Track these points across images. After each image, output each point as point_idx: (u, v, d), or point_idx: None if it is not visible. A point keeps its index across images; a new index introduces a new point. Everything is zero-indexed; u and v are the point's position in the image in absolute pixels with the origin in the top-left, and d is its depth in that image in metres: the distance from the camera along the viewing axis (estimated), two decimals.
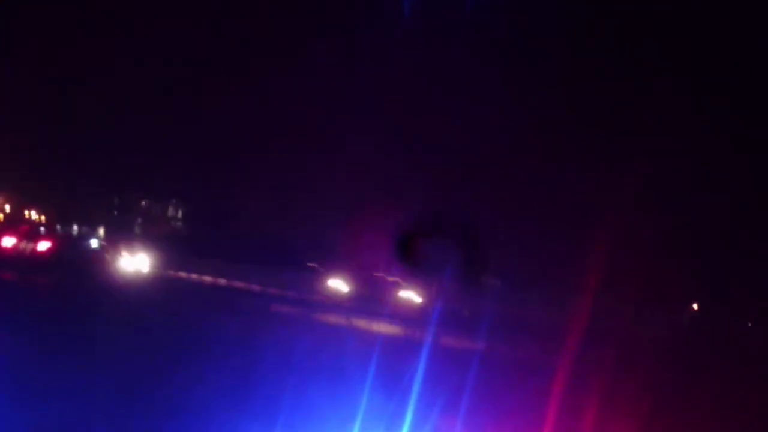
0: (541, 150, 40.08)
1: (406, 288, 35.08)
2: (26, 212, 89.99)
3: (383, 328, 22.59)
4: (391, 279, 34.98)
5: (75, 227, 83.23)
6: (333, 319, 25.40)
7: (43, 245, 39.96)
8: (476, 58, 37.59)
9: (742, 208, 37.99)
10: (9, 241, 39.96)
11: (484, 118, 39.80)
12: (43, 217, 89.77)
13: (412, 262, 31.54)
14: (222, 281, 36.94)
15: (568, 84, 39.31)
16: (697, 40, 36.45)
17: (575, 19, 36.97)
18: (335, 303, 31.66)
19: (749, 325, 37.93)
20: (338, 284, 34.87)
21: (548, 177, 39.96)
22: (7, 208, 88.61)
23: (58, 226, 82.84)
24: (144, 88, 53.35)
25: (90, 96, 56.65)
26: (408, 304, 34.07)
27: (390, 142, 43.32)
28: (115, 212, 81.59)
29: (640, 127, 37.44)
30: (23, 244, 39.52)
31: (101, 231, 78.55)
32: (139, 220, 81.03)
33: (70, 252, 41.57)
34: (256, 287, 34.95)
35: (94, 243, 66.57)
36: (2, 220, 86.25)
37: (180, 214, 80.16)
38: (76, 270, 33.31)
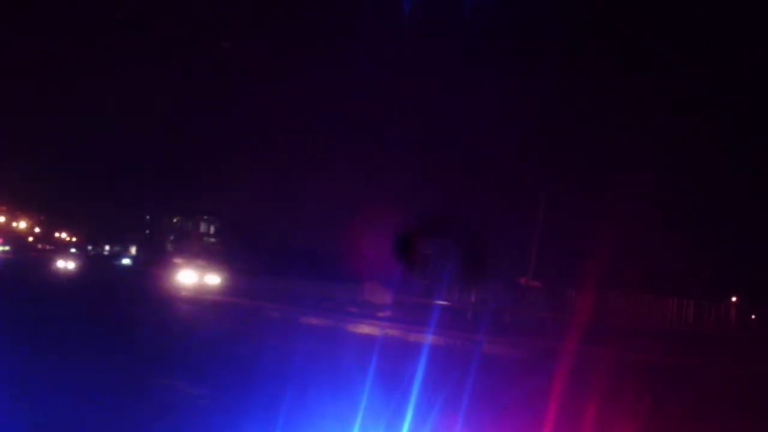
0: (541, 148, 39.55)
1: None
2: (56, 233, 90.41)
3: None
4: None
5: (107, 246, 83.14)
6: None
7: None
8: (477, 58, 37.10)
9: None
10: None
11: (485, 118, 39.06)
12: (74, 238, 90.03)
13: (412, 261, 30.81)
14: None
15: (569, 84, 38.58)
16: (697, 39, 35.59)
17: (575, 19, 36.13)
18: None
19: None
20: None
21: (553, 174, 39.23)
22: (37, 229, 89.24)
23: (90, 246, 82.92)
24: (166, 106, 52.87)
25: (114, 114, 56.25)
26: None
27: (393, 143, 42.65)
28: (147, 231, 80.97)
29: (647, 121, 36.76)
30: None
31: (133, 249, 78.33)
32: (172, 238, 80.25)
33: None
34: None
35: (126, 261, 66.16)
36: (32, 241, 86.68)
37: (212, 230, 79.30)
38: None
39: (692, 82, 35.20)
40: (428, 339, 18.86)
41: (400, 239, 30.20)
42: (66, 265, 54.66)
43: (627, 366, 16.47)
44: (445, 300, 31.77)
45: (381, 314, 27.99)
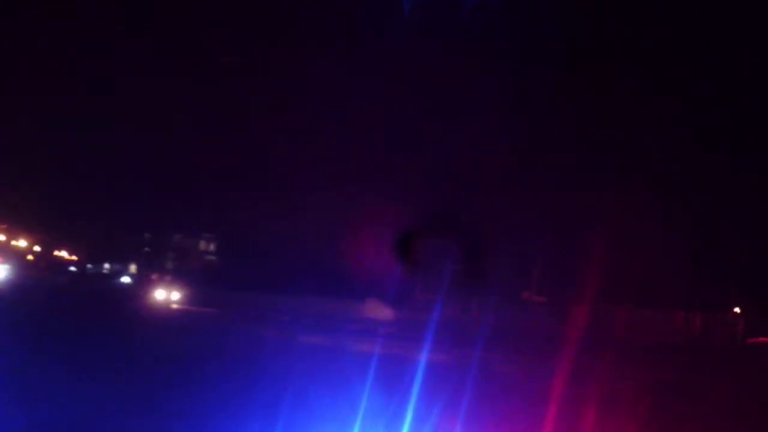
0: (542, 151, 39.54)
1: None
2: (56, 251, 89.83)
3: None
4: None
5: (106, 265, 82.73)
6: None
7: None
8: (477, 59, 36.99)
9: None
10: None
11: (485, 120, 38.97)
12: (74, 257, 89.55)
13: (414, 270, 30.64)
14: None
15: (568, 86, 38.47)
16: (696, 41, 35.61)
17: (575, 19, 36.10)
18: None
19: None
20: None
21: (551, 178, 39.19)
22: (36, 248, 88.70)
23: (89, 265, 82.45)
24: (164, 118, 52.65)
25: (114, 132, 56.05)
26: None
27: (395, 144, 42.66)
28: (147, 249, 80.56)
29: (649, 125, 36.76)
30: None
31: (133, 267, 77.99)
32: (172, 255, 79.93)
33: None
34: None
35: (125, 279, 65.69)
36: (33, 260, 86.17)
37: (212, 247, 79.06)
38: None
39: (692, 81, 35.18)
40: (430, 356, 18.58)
41: (403, 246, 29.90)
42: (168, 295, 42.59)
43: (641, 382, 16.33)
44: (447, 314, 31.53)
45: (383, 331, 27.69)
